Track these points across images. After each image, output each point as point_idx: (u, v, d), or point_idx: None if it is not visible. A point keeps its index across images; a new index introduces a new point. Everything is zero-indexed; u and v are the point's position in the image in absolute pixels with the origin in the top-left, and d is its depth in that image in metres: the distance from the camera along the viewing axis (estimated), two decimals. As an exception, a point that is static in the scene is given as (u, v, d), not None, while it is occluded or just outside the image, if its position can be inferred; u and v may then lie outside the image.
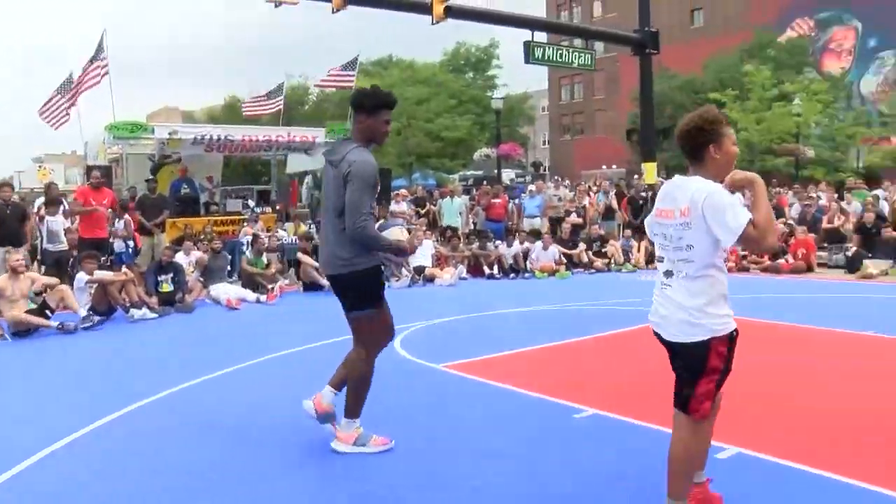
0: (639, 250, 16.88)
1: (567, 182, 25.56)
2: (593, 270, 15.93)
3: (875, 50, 51.69)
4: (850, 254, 15.32)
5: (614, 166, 50.96)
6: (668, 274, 3.33)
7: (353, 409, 4.66)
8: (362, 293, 4.52)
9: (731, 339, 3.27)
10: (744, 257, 16.07)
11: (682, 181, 3.31)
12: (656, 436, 4.76)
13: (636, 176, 21.98)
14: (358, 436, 4.63)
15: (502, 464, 4.40)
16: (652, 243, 3.83)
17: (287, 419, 5.27)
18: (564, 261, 15.83)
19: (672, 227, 3.28)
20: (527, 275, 15.35)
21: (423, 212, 19.30)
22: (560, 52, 19.01)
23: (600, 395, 5.76)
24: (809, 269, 15.25)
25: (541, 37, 19.34)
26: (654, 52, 19.61)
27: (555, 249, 15.88)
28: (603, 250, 16.60)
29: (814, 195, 18.95)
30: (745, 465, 4.27)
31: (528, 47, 17.53)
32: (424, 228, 16.57)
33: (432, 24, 15.56)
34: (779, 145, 38.25)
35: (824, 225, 16.78)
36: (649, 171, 19.91)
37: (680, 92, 47.04)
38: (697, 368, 3.25)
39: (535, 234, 16.64)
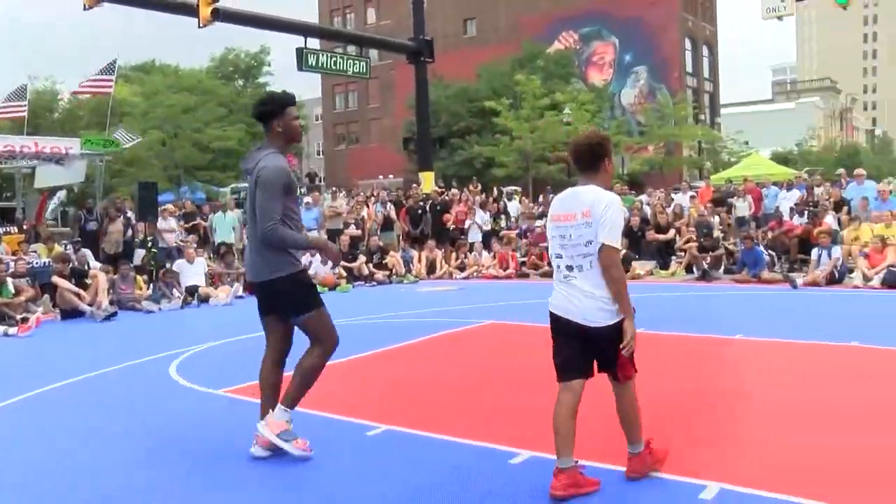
0: (419, 260, 17.33)
1: (343, 192, 25.68)
2: (374, 283, 16.14)
3: (630, 65, 56.86)
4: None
5: (391, 176, 51.91)
6: (570, 268, 4.02)
7: (292, 399, 4.79)
8: (300, 297, 4.71)
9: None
10: (523, 264, 16.99)
11: (580, 190, 4.03)
12: (449, 447, 4.94)
13: (414, 185, 22.58)
14: (285, 430, 4.71)
15: (298, 490, 4.37)
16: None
17: (43, 470, 4.89)
18: (344, 274, 15.91)
19: (574, 227, 3.98)
20: (308, 291, 15.23)
21: (193, 227, 18.63)
22: (334, 59, 19.17)
23: (392, 411, 5.86)
24: (583, 272, 16.42)
25: (314, 43, 19.37)
26: (429, 61, 20.29)
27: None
28: (383, 262, 16.86)
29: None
30: (539, 465, 4.52)
31: (302, 54, 17.51)
32: (195, 245, 15.97)
33: (199, 27, 15.11)
34: (552, 153, 40.86)
35: (595, 230, 18.14)
36: (427, 179, 20.56)
37: (455, 100, 48.87)
38: (616, 344, 3.97)
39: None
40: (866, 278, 12.96)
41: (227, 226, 17.92)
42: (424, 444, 5.02)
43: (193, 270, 14.37)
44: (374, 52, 39.58)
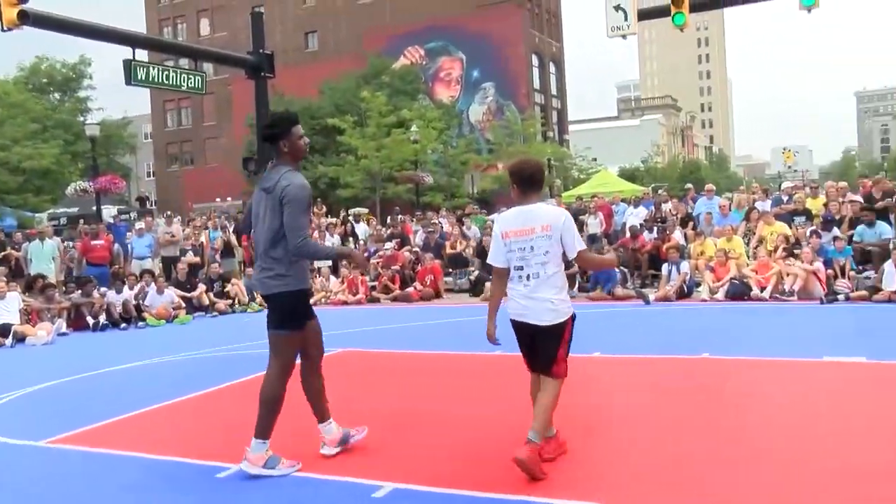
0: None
1: (178, 217, 24.87)
2: (216, 313, 15.67)
3: (478, 81, 58.27)
4: (473, 277, 16.98)
5: (229, 198, 50.79)
6: (529, 277, 4.79)
7: (262, 430, 5.07)
8: (285, 314, 5.09)
9: (573, 317, 4.87)
10: (373, 288, 16.96)
11: (534, 207, 4.84)
12: (309, 484, 4.80)
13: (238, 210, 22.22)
14: (268, 458, 5.04)
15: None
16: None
17: None
18: (183, 305, 15.37)
19: (535, 239, 4.75)
20: (141, 323, 14.62)
21: (3, 258, 17.46)
22: (166, 73, 18.44)
23: (243, 449, 5.63)
24: (438, 294, 16.58)
25: (143, 55, 18.64)
26: (269, 76, 19.96)
27: (171, 293, 15.37)
28: (225, 290, 16.42)
29: (436, 221, 20.66)
30: (403, 498, 4.48)
31: (130, 67, 16.76)
32: (6, 279, 14.93)
33: (2, 30, 14.17)
34: (399, 173, 41.13)
35: (448, 250, 18.38)
36: (271, 202, 20.17)
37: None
38: (558, 341, 4.78)
39: (149, 272, 16.01)
40: (712, 291, 13.77)
41: (44, 255, 16.89)
42: (282, 482, 4.88)
43: (4, 307, 13.43)
44: (209, 66, 38.68)
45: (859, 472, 4.54)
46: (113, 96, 62.13)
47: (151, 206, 54.27)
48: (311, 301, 16.77)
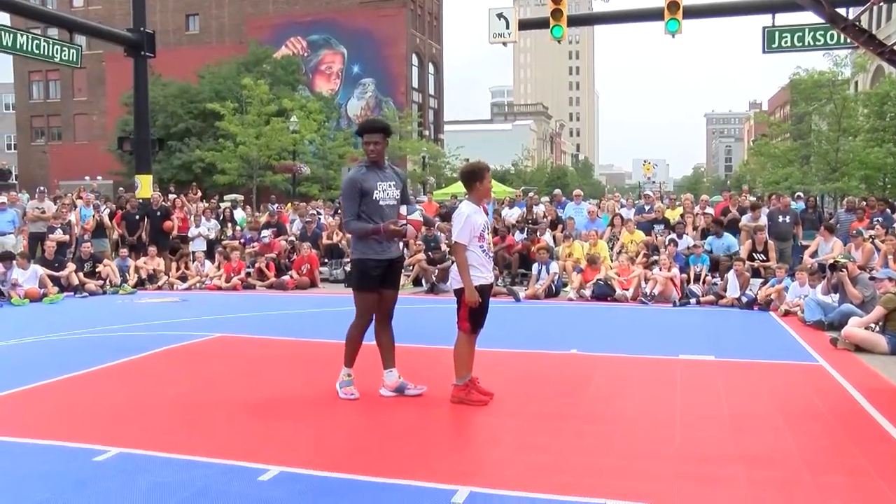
0: (136, 271, 16.42)
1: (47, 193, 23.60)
2: (86, 294, 15.03)
3: (358, 76, 58.05)
4: (348, 268, 16.94)
5: (100, 178, 48.73)
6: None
7: (346, 360, 6.52)
8: (353, 276, 6.62)
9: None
10: (248, 275, 16.67)
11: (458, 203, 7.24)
12: (192, 467, 4.71)
13: (121, 189, 21.45)
14: (342, 381, 6.50)
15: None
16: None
17: None
18: (51, 284, 14.67)
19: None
20: (2, 302, 13.85)
21: None
22: (37, 42, 17.49)
23: (123, 432, 5.49)
24: (313, 284, 16.47)
25: (6, 21, 17.63)
26: (150, 56, 19.32)
27: (38, 270, 14.63)
28: (96, 271, 15.79)
29: (314, 212, 20.47)
30: (289, 481, 4.49)
31: (-3, 34, 15.88)
32: None
33: None
34: (278, 162, 40.51)
35: (324, 241, 18.26)
36: (144, 183, 19.49)
37: (174, 100, 46.96)
38: (458, 302, 6.16)
39: (9, 257, 15.13)
40: (580, 291, 14.27)
41: None
42: (164, 465, 4.77)
43: None
44: (82, 40, 36.93)
45: (736, 456, 4.89)
46: (-24, 64, 58.37)
47: (13, 180, 51.33)
48: (186, 286, 16.34)
